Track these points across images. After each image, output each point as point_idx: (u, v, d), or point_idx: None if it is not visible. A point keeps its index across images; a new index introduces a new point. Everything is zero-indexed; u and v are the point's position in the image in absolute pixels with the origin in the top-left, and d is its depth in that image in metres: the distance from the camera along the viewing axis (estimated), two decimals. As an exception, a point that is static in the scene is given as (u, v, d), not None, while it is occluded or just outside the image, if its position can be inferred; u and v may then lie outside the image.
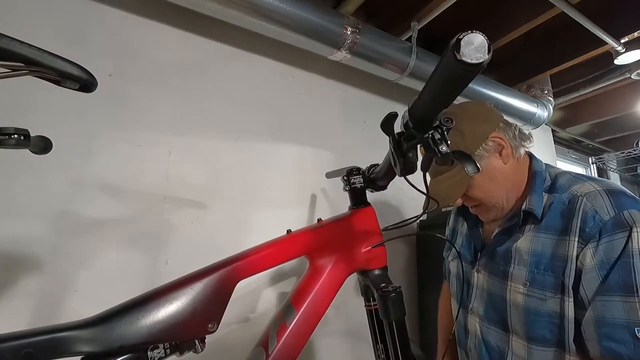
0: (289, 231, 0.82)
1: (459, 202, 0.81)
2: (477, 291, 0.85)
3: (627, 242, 0.62)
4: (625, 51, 1.58)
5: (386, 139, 0.59)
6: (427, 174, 0.67)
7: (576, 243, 0.67)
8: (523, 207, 0.76)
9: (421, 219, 0.80)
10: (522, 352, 0.74)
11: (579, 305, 0.67)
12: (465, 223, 0.94)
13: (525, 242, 0.75)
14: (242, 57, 1.26)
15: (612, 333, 0.61)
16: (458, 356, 0.93)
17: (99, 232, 0.94)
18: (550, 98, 2.05)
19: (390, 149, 0.60)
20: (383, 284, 0.74)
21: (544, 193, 0.76)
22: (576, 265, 0.67)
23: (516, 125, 0.83)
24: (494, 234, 0.82)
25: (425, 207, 0.74)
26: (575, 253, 0.67)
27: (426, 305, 1.53)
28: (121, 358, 0.54)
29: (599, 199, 0.68)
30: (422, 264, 1.57)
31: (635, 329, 0.59)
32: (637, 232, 0.62)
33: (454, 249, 0.96)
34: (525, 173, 0.81)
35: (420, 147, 0.56)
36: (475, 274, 0.86)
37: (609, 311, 0.62)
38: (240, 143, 1.21)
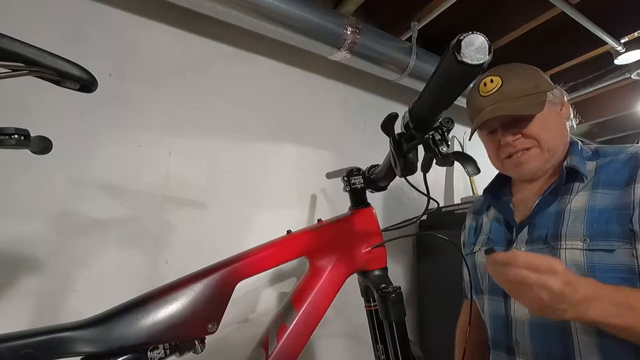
0: (289, 231, 0.82)
1: (509, 139, 0.77)
2: None
3: None
4: (625, 51, 1.57)
5: (386, 139, 0.59)
6: (494, 98, 0.75)
7: None
8: (565, 164, 0.75)
9: (421, 219, 0.80)
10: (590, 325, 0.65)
11: None
12: (490, 212, 0.91)
13: (580, 201, 0.72)
14: (242, 57, 1.26)
15: None
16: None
17: (99, 232, 0.94)
18: (551, 98, 2.04)
19: (391, 149, 0.60)
20: (383, 285, 0.74)
21: (586, 161, 0.76)
22: None
23: None
24: (536, 202, 0.78)
25: (426, 208, 0.74)
26: None
27: (426, 305, 1.53)
28: (121, 358, 0.54)
29: None
30: (422, 265, 1.57)
31: None
32: None
33: (480, 237, 0.89)
34: (568, 139, 0.81)
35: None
36: None
37: None
38: (240, 143, 1.21)
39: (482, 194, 0.94)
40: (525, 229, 0.77)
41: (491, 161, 0.86)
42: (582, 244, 0.67)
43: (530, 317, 0.73)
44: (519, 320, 0.75)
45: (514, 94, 0.75)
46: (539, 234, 0.74)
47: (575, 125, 0.83)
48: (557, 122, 0.78)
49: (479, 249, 0.88)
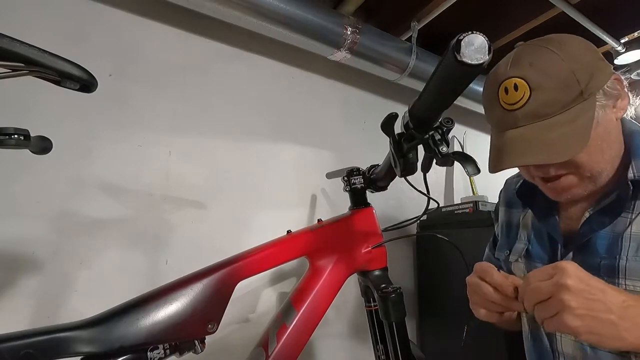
0: (289, 231, 0.82)
1: (540, 172, 0.59)
2: None
3: None
4: (625, 51, 1.57)
5: (386, 139, 0.59)
6: (519, 117, 0.56)
7: None
8: (629, 175, 0.57)
9: (421, 219, 0.80)
10: None
11: None
12: (529, 212, 0.74)
13: None
14: (242, 57, 1.26)
15: None
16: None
17: (99, 232, 0.94)
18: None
19: (391, 149, 0.60)
20: (383, 285, 0.74)
21: None
22: None
23: None
24: (584, 218, 0.62)
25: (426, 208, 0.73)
26: None
27: (426, 305, 1.53)
28: (121, 359, 0.54)
29: None
30: (422, 265, 1.57)
31: None
32: None
33: (516, 246, 0.74)
34: (622, 137, 0.61)
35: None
36: None
37: None
38: (240, 143, 1.21)
39: (516, 195, 0.75)
40: (571, 253, 0.63)
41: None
42: None
43: (582, 354, 0.60)
44: (567, 357, 0.63)
45: (548, 112, 0.55)
46: (591, 263, 0.59)
47: (635, 112, 0.65)
48: (607, 132, 0.57)
49: (516, 259, 0.73)
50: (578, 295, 0.44)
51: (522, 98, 0.55)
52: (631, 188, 0.56)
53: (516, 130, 0.57)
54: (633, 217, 0.57)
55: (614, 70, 0.59)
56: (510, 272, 0.74)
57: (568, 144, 0.53)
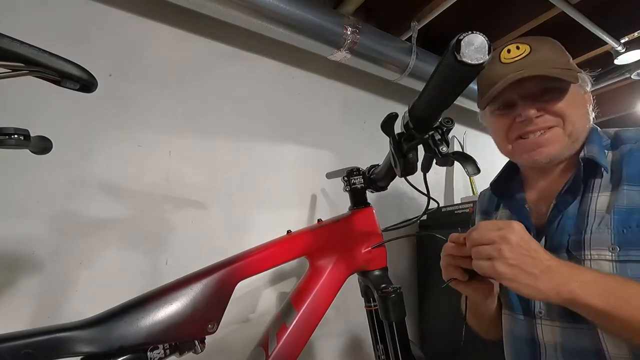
0: (289, 231, 0.82)
1: (531, 114, 0.65)
2: None
3: None
4: (625, 51, 1.57)
5: (386, 139, 0.59)
6: (519, 64, 0.65)
7: None
8: (581, 155, 0.65)
9: (421, 219, 0.80)
10: (624, 349, 0.56)
11: None
12: (500, 210, 0.81)
13: (604, 200, 0.62)
14: (242, 57, 1.26)
15: None
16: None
17: (99, 232, 0.94)
18: (551, 98, 2.03)
19: (391, 149, 0.60)
20: (383, 285, 0.74)
21: (605, 150, 0.66)
22: None
23: None
24: (552, 205, 0.68)
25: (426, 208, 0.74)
26: None
27: (426, 306, 1.53)
28: (121, 359, 0.54)
29: None
30: (423, 265, 1.57)
31: None
32: None
33: None
34: (589, 125, 0.71)
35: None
36: None
37: None
38: (240, 143, 1.21)
39: (490, 190, 0.83)
40: (544, 238, 0.68)
41: (497, 144, 0.75)
42: (610, 253, 0.58)
43: (560, 338, 0.63)
44: (548, 345, 0.65)
45: (545, 64, 0.65)
46: (560, 241, 0.65)
47: (592, 119, 0.74)
48: (584, 104, 0.69)
49: None
50: (515, 248, 0.52)
51: (523, 53, 0.67)
52: (582, 165, 0.64)
53: (518, 72, 0.64)
54: (593, 196, 0.64)
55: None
56: None
57: (565, 75, 0.64)
